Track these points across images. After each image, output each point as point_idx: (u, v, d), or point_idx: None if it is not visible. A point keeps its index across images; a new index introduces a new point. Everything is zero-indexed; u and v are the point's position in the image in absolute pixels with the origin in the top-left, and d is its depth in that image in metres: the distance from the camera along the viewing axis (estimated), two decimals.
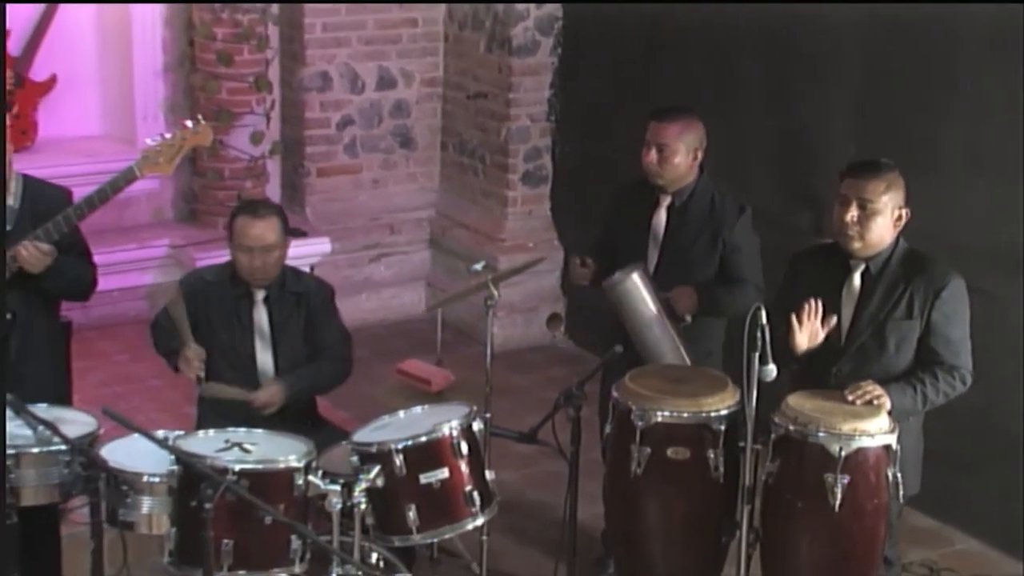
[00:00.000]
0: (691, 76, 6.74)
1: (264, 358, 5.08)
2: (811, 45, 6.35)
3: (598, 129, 7.42)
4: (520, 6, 7.42)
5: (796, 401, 4.51)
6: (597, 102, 7.43)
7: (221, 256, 6.83)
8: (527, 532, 5.70)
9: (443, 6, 7.78)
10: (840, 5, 6.16)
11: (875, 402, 4.46)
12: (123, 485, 4.40)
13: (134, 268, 7.25)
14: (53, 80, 7.28)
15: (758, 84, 6.60)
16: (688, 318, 5.09)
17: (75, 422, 4.58)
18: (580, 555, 5.00)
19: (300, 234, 6.93)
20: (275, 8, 7.32)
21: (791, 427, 4.45)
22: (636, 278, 5.01)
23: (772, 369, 4.35)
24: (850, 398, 4.47)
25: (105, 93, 7.54)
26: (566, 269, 7.49)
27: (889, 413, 4.46)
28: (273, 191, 7.55)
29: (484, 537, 4.86)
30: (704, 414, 4.60)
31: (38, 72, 7.21)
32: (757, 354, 4.32)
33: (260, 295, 5.08)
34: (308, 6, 7.44)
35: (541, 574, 5.41)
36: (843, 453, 4.35)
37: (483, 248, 7.56)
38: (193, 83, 7.35)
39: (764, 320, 4.31)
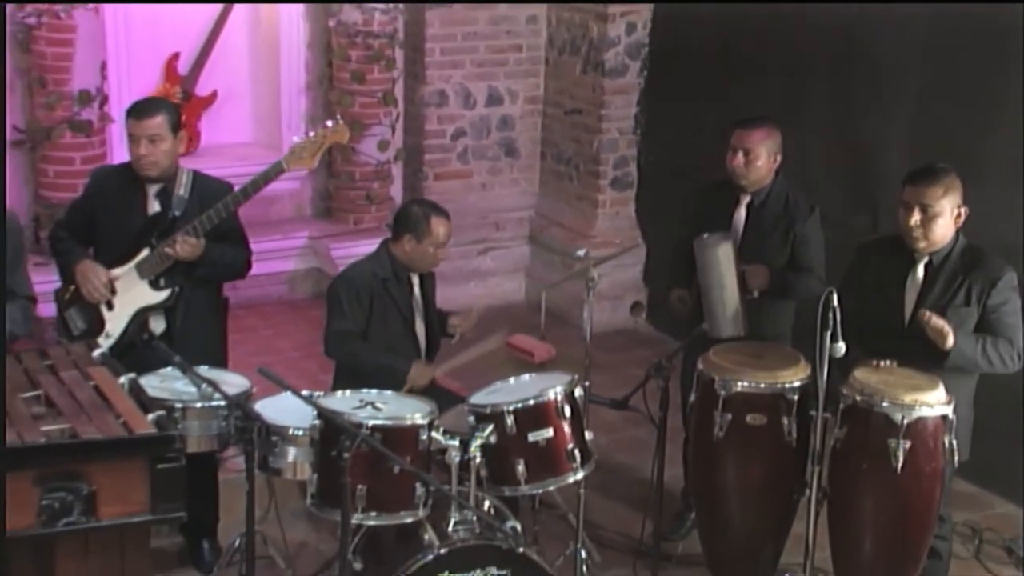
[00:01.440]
0: (762, 95, 6.60)
1: (420, 330, 5.05)
2: (870, 66, 6.20)
3: (678, 141, 7.31)
4: (612, 34, 7.32)
5: (862, 375, 4.37)
6: (677, 118, 7.32)
7: (352, 247, 6.88)
8: (615, 489, 5.59)
9: (545, 33, 7.70)
10: (897, 29, 6.00)
11: (944, 330, 4.27)
12: (273, 436, 4.38)
13: (278, 256, 7.22)
14: (214, 95, 7.31)
15: (823, 102, 6.46)
16: (756, 293, 4.94)
17: (231, 383, 4.57)
18: (657, 510, 4.88)
19: None
20: (401, 34, 7.28)
21: (858, 398, 4.31)
22: (729, 248, 4.87)
23: (841, 346, 4.22)
24: (924, 317, 4.30)
25: (256, 106, 7.55)
26: (651, 261, 7.46)
27: (947, 355, 4.30)
28: (396, 192, 7.53)
29: (581, 491, 4.72)
30: (779, 385, 4.50)
31: (202, 88, 7.25)
32: (828, 333, 4.19)
33: (416, 279, 5.03)
34: (429, 32, 7.41)
35: (627, 524, 5.33)
36: (905, 421, 4.22)
37: (576, 243, 7.43)
38: (330, 98, 7.34)
39: (836, 303, 4.17)
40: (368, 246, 5.60)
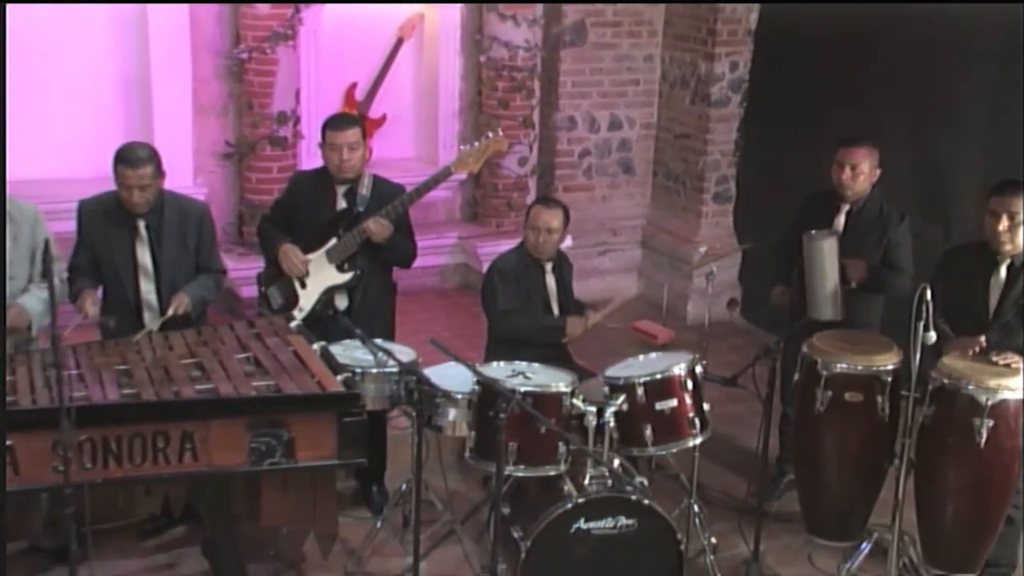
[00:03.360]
0: (846, 122, 6.34)
1: (555, 311, 4.91)
2: (943, 96, 5.94)
3: (771, 162, 7.10)
4: (717, 71, 7.14)
5: (950, 361, 4.14)
6: (772, 142, 7.10)
7: (496, 245, 6.78)
8: (717, 455, 5.36)
9: (659, 70, 7.53)
10: (971, 64, 5.75)
11: (1013, 366, 4.04)
12: (437, 398, 4.29)
13: (432, 253, 7.13)
14: (384, 118, 7.27)
15: (900, 128, 6.17)
16: (853, 284, 4.73)
17: (401, 353, 4.49)
18: (758, 472, 4.70)
19: None
20: (539, 69, 7.18)
21: (946, 381, 4.08)
22: (833, 242, 4.67)
23: (932, 335, 3.98)
24: (995, 359, 4.06)
25: (418, 128, 7.48)
26: (745, 264, 7.25)
27: None
28: (531, 201, 7.41)
29: (696, 454, 4.55)
30: (875, 367, 4.28)
31: (374, 112, 7.20)
32: (922, 323, 3.96)
33: (550, 266, 4.90)
34: (563, 67, 7.30)
35: (729, 486, 5.18)
36: (989, 402, 3.98)
37: (681, 248, 7.35)
38: (479, 121, 7.26)
39: (929, 297, 3.94)
40: (507, 246, 5.51)
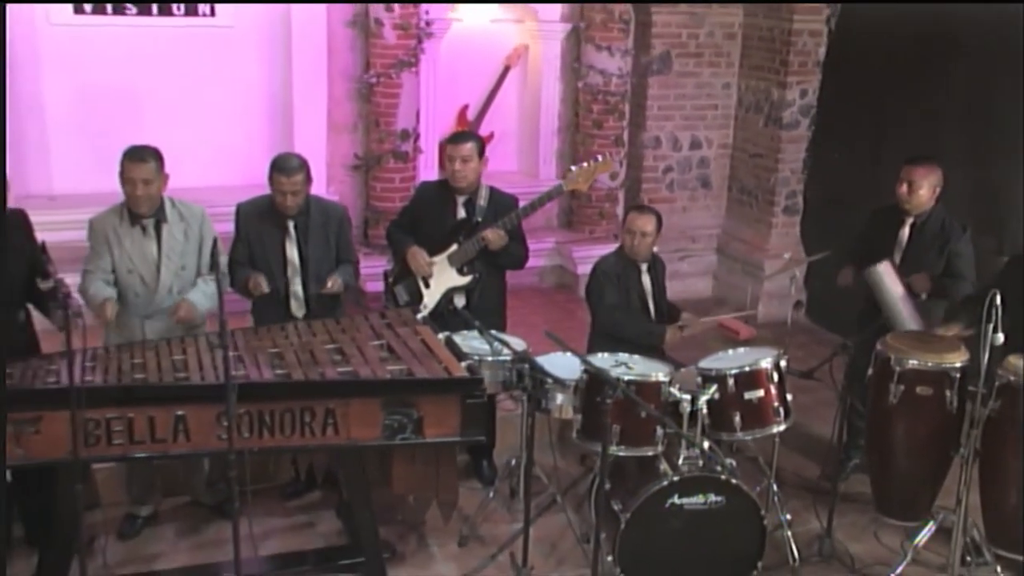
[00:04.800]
0: (904, 144, 6.18)
1: (651, 309, 4.86)
2: (998, 119, 5.74)
3: (835, 179, 6.94)
4: (788, 97, 6.99)
5: (1015, 360, 3.99)
6: (834, 162, 6.95)
7: (589, 249, 6.76)
8: (789, 441, 5.19)
9: (735, 96, 7.40)
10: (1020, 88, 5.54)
11: None
12: (547, 384, 4.27)
13: (532, 255, 6.69)
14: (491, 135, 7.28)
15: (957, 148, 5.96)
16: (923, 296, 4.60)
17: (514, 343, 4.47)
18: (832, 457, 4.57)
19: None
20: (630, 94, 7.13)
21: (1012, 378, 3.93)
22: (886, 266, 4.57)
23: (1001, 336, 3.83)
24: None
25: (521, 144, 7.49)
26: (810, 270, 7.06)
27: None
28: (620, 211, 7.36)
29: (776, 440, 4.45)
30: (944, 364, 4.14)
31: (483, 130, 7.21)
32: (991, 325, 3.82)
33: (645, 267, 4.84)
34: (650, 92, 7.21)
35: (800, 468, 5.06)
36: None
37: (753, 255, 7.21)
38: (576, 140, 7.23)
39: (999, 302, 3.80)
40: (600, 250, 5.48)
